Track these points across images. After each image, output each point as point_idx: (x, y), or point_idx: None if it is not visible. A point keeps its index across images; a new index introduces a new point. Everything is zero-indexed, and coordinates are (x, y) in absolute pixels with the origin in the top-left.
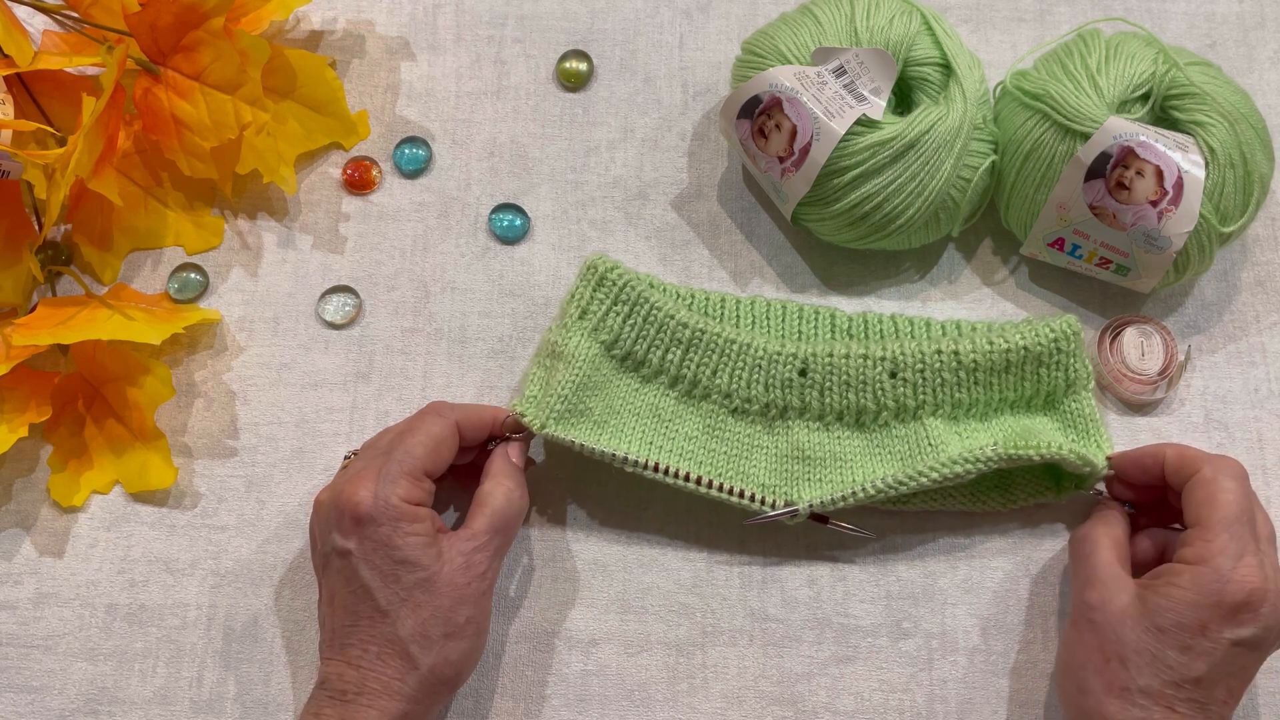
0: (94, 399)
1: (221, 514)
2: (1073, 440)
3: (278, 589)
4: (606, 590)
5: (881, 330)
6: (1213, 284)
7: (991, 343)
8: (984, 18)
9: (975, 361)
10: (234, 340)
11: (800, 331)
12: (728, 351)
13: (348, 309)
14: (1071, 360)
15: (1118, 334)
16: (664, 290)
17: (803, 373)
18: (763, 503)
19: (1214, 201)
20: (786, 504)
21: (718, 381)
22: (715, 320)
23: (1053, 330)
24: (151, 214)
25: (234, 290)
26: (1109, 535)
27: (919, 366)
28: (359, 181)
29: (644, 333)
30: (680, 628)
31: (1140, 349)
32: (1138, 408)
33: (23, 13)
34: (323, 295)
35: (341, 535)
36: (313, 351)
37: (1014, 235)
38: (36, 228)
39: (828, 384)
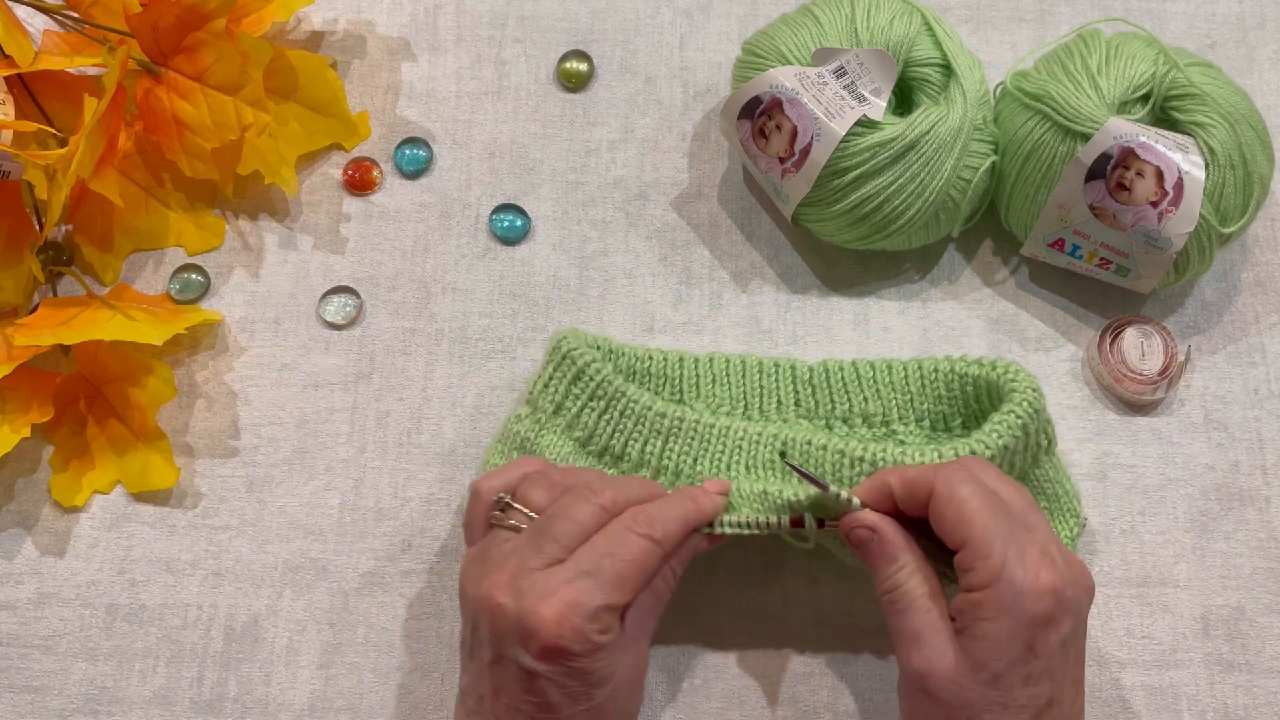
0: (95, 399)
1: (222, 514)
2: (1045, 509)
3: (278, 589)
4: None
5: (844, 379)
6: (1213, 284)
7: (972, 449)
8: (984, 18)
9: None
10: (235, 341)
11: (762, 386)
12: (707, 437)
13: (349, 309)
14: (1038, 452)
15: (1118, 334)
16: (622, 354)
17: (783, 454)
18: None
19: (1214, 202)
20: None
21: (699, 469)
22: (676, 379)
23: (1021, 418)
24: (153, 215)
25: (235, 291)
26: (924, 583)
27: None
28: (360, 182)
29: (620, 427)
30: (680, 627)
31: (1140, 349)
32: (1138, 408)
33: (23, 13)
34: (324, 296)
35: (530, 656)
36: (314, 352)
37: (1014, 236)
38: (38, 228)
39: (804, 469)
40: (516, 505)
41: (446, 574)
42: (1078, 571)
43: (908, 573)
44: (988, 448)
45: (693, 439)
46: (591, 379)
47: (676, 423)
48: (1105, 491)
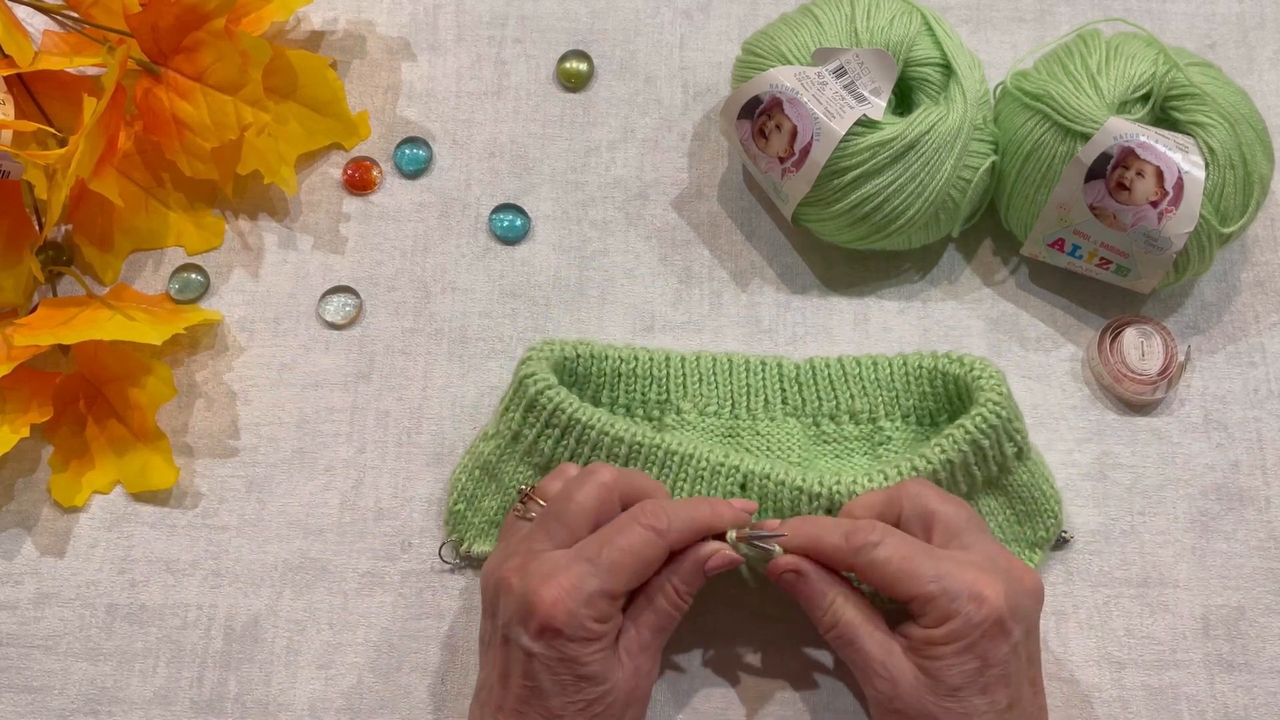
0: (95, 399)
1: (222, 514)
2: (1021, 511)
3: (278, 589)
4: None
5: (830, 376)
6: (1213, 284)
7: (914, 466)
8: (984, 18)
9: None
10: (235, 340)
11: (749, 385)
12: (668, 464)
13: (348, 309)
14: (1006, 460)
15: (1118, 334)
16: (606, 358)
17: (743, 487)
18: None
19: (1214, 202)
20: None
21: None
22: (663, 378)
23: (971, 433)
24: (152, 214)
25: (235, 291)
26: (859, 609)
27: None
28: (359, 182)
29: (578, 453)
30: (681, 627)
31: (1140, 349)
32: (1138, 408)
33: (23, 13)
34: (323, 295)
35: (527, 635)
36: (313, 352)
37: (1014, 236)
38: (37, 228)
39: (763, 506)
40: (533, 497)
41: (446, 574)
42: (1020, 579)
43: (840, 604)
44: (929, 462)
45: (651, 465)
46: (544, 408)
47: (635, 449)
48: (1105, 491)
